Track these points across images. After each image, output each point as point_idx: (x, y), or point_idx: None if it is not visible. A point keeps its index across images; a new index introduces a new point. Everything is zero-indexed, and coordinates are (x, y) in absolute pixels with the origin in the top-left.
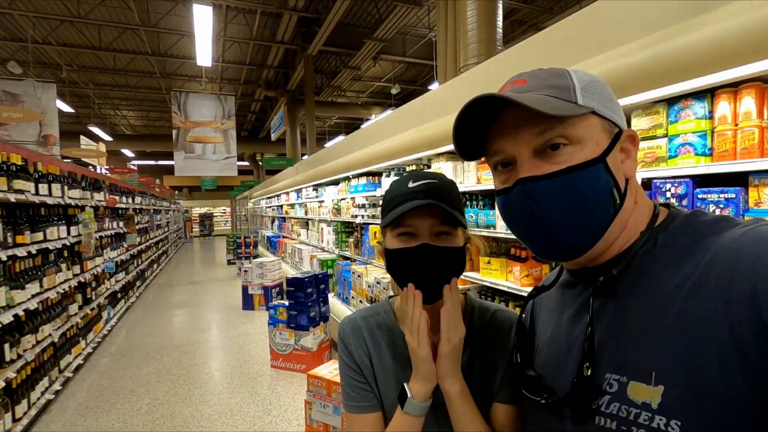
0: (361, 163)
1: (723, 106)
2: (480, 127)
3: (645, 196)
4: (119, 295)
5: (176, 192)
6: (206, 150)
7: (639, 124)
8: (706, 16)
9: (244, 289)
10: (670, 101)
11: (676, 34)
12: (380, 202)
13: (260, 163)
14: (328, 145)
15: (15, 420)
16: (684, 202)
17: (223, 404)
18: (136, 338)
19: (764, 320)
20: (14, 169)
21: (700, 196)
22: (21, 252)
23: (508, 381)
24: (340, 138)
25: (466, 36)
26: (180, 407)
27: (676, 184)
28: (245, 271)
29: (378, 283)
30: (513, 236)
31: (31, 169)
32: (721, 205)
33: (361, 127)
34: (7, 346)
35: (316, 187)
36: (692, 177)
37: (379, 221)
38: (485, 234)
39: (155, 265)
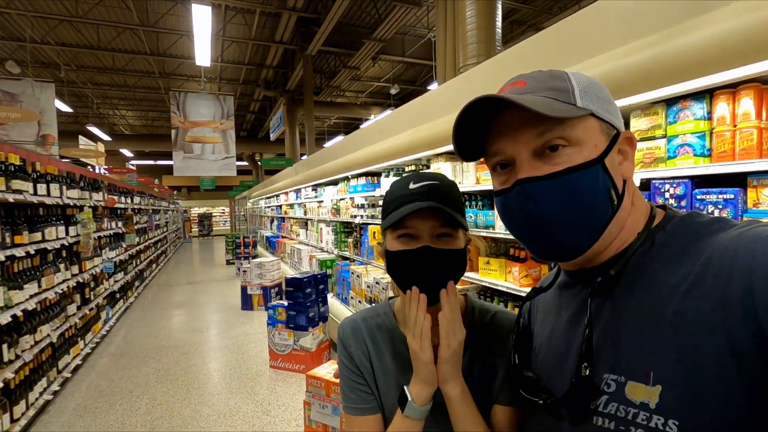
0: (360, 163)
1: (722, 107)
2: (479, 128)
3: (642, 197)
4: (118, 296)
5: (175, 192)
6: (205, 150)
7: (638, 124)
8: (705, 17)
9: (243, 289)
10: (669, 102)
11: (675, 35)
12: (379, 203)
13: (259, 163)
14: (327, 145)
15: (13, 421)
16: (683, 203)
17: (222, 405)
18: (135, 339)
19: (760, 319)
20: (12, 169)
21: (699, 196)
22: (19, 252)
23: (508, 383)
24: (340, 138)
25: (466, 36)
26: (179, 408)
27: (674, 185)
28: (244, 271)
29: (377, 283)
30: (512, 236)
31: (30, 169)
32: (720, 206)
33: (361, 127)
34: (5, 346)
35: (315, 187)
36: (691, 178)
37: (378, 221)
38: (484, 234)
39: (154, 265)
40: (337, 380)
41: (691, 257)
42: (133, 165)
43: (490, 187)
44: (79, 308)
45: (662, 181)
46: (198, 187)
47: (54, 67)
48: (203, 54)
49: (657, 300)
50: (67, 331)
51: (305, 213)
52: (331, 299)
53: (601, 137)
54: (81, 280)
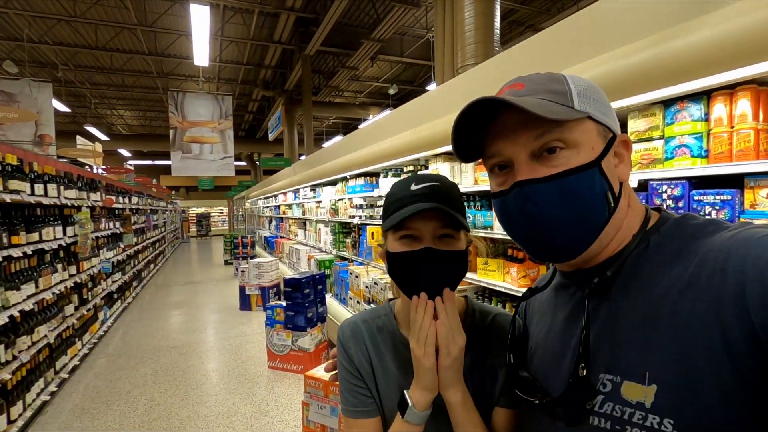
0: (359, 163)
1: (719, 108)
2: (478, 130)
3: (638, 200)
4: (116, 296)
5: (173, 192)
6: (203, 150)
7: (636, 125)
8: (703, 19)
9: (242, 289)
10: (667, 103)
11: (673, 36)
12: (378, 203)
13: (258, 163)
14: (326, 145)
15: (10, 422)
16: (680, 204)
17: (220, 405)
18: (133, 339)
19: (753, 319)
20: (10, 169)
21: (696, 197)
22: (16, 252)
23: (508, 385)
24: (338, 138)
25: (464, 37)
26: (177, 408)
27: (672, 186)
28: (242, 271)
29: (375, 283)
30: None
31: (27, 170)
32: (717, 207)
33: (359, 127)
34: (2, 347)
35: (313, 188)
36: (688, 179)
37: (376, 222)
38: (482, 235)
39: (152, 266)
40: (330, 376)
41: (685, 258)
42: (131, 165)
43: (489, 188)
44: (76, 309)
45: (660, 182)
46: (196, 187)
47: (52, 67)
48: (201, 54)
49: (652, 301)
50: (64, 331)
51: (304, 213)
52: (330, 300)
53: (598, 140)
54: (78, 281)
